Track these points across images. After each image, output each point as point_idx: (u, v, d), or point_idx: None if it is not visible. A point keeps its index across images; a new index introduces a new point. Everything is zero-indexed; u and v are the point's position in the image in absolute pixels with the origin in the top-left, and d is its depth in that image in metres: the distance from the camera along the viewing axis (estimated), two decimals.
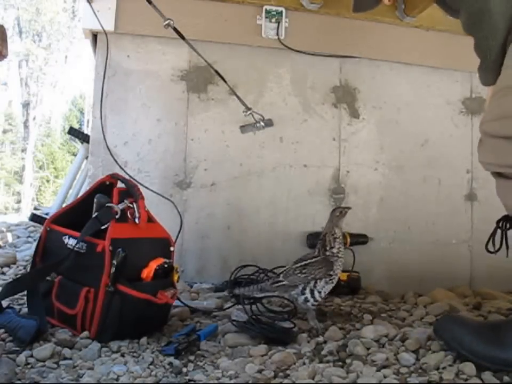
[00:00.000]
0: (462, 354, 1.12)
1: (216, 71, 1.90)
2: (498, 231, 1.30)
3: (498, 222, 1.29)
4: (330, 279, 1.42)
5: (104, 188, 1.44)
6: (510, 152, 1.09)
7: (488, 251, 1.30)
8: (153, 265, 1.30)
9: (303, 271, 1.42)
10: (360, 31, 2.18)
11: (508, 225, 1.27)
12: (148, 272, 1.30)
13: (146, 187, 1.80)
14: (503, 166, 1.12)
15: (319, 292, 1.41)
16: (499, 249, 1.30)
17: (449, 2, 1.33)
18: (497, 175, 1.16)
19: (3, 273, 1.97)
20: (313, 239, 2.08)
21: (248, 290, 1.47)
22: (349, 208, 1.55)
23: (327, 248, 1.45)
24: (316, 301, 1.41)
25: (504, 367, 1.06)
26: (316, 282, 1.40)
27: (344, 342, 1.29)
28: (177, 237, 1.80)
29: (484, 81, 1.28)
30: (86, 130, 3.32)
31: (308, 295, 1.40)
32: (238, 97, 1.92)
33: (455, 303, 1.73)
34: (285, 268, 1.48)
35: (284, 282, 1.43)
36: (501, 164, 1.12)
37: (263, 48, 2.13)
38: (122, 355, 1.16)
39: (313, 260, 1.44)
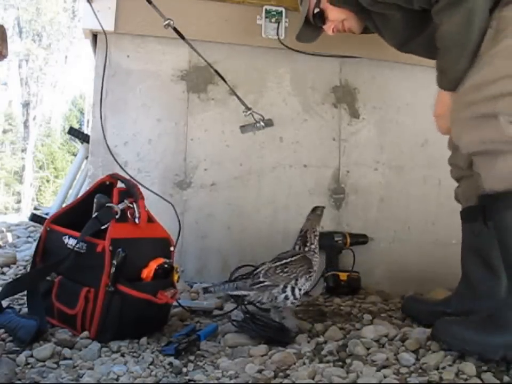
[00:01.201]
0: (467, 351, 1.12)
1: (216, 71, 1.90)
2: None
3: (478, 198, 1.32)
4: (310, 276, 1.44)
5: (104, 188, 1.44)
6: (490, 128, 1.14)
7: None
8: (153, 265, 1.30)
9: (285, 270, 1.42)
10: None
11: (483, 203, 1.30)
12: (147, 272, 1.30)
13: (146, 187, 1.79)
14: (486, 142, 1.16)
15: (299, 290, 1.41)
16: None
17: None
18: (478, 153, 1.20)
19: (3, 273, 1.96)
20: None
21: (223, 288, 1.47)
22: (323, 207, 1.61)
23: (307, 244, 1.48)
24: (295, 298, 1.41)
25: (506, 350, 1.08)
26: (297, 280, 1.41)
27: (344, 342, 1.29)
28: (177, 239, 1.80)
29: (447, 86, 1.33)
30: (86, 130, 3.32)
31: (289, 293, 1.40)
32: (238, 97, 1.92)
33: None
34: (263, 267, 1.45)
35: (266, 283, 1.40)
36: (484, 140, 1.16)
37: (263, 48, 2.12)
38: (122, 355, 1.16)
39: (294, 258, 1.45)
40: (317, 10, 1.63)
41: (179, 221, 1.86)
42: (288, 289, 1.40)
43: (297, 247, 1.50)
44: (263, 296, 1.40)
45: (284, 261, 1.44)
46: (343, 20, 1.61)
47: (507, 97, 1.13)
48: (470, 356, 1.11)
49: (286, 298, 1.40)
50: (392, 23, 1.50)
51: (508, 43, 1.16)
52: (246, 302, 1.49)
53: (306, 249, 1.47)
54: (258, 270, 1.45)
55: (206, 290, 1.43)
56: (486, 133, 1.15)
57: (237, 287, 1.43)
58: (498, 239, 1.19)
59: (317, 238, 1.50)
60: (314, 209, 1.57)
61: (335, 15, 1.61)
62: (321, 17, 1.64)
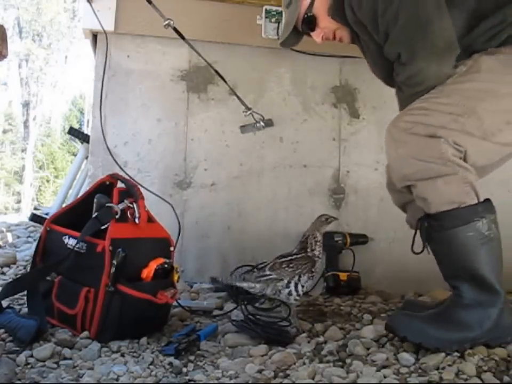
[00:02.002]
0: (426, 344, 1.17)
1: (216, 71, 1.90)
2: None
3: (418, 220, 1.33)
4: (312, 275, 1.47)
5: (104, 188, 1.44)
6: (430, 149, 1.21)
7: (414, 252, 1.33)
8: (153, 265, 1.30)
9: (290, 265, 1.46)
10: None
11: (426, 223, 1.30)
12: (147, 272, 1.30)
13: (145, 188, 1.79)
14: (426, 161, 1.21)
15: (302, 286, 1.44)
16: (423, 249, 1.33)
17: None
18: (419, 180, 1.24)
19: (3, 273, 1.97)
20: None
21: (230, 279, 1.54)
22: (335, 218, 1.61)
23: (308, 250, 1.49)
24: (298, 295, 1.44)
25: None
26: (300, 277, 1.44)
27: (344, 342, 1.29)
28: (177, 239, 1.80)
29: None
30: (86, 130, 3.32)
31: (292, 288, 1.43)
32: (238, 97, 1.92)
33: None
34: (268, 262, 1.50)
35: (271, 276, 1.43)
36: (423, 159, 1.21)
37: (263, 48, 2.12)
38: (122, 355, 1.16)
39: (299, 255, 1.48)
40: (307, 19, 1.51)
41: (179, 221, 1.86)
42: (292, 285, 1.42)
43: (295, 251, 1.51)
44: (267, 289, 1.42)
45: (289, 258, 1.48)
46: (336, 29, 1.51)
47: (450, 130, 1.20)
48: (427, 349, 1.17)
49: (290, 294, 1.43)
50: (371, 50, 1.45)
51: (471, 86, 1.24)
52: (246, 302, 1.49)
53: (309, 254, 1.49)
54: (264, 265, 1.49)
55: (213, 280, 1.47)
56: (426, 152, 1.20)
57: (244, 279, 1.48)
58: (447, 254, 1.26)
59: (319, 243, 1.51)
60: (319, 216, 1.58)
61: (327, 23, 1.51)
62: (311, 23, 1.53)
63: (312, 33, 1.55)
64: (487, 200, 1.25)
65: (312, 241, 1.51)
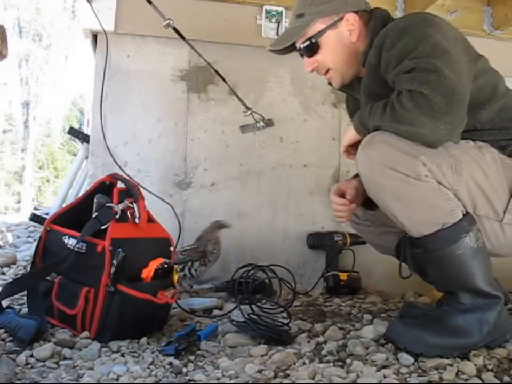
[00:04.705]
0: (428, 353, 1.15)
1: (216, 71, 1.90)
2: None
3: (397, 247, 1.32)
4: (205, 263, 1.84)
5: (104, 187, 1.44)
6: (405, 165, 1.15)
7: (402, 277, 1.32)
8: (153, 265, 1.30)
9: (183, 253, 1.83)
10: None
11: (407, 247, 1.30)
12: (147, 273, 1.30)
13: (145, 188, 1.80)
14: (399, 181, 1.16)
15: (195, 270, 1.82)
16: (411, 274, 1.33)
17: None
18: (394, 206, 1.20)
19: (3, 273, 1.97)
20: (313, 239, 2.08)
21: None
22: (227, 226, 1.91)
23: (201, 244, 1.86)
24: (192, 277, 1.84)
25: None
26: (192, 263, 1.82)
27: (344, 342, 1.29)
28: (177, 239, 1.81)
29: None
30: (86, 130, 3.32)
31: (187, 271, 1.82)
32: (238, 97, 1.92)
33: None
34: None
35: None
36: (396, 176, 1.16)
37: (263, 48, 2.12)
38: (122, 355, 1.16)
39: (191, 247, 1.86)
40: (310, 44, 1.36)
41: (179, 221, 1.86)
42: (186, 269, 1.82)
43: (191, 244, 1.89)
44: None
45: (184, 248, 1.86)
46: (331, 69, 1.40)
47: (431, 165, 1.14)
48: (428, 357, 1.15)
49: (185, 275, 1.83)
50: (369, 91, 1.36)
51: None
52: (249, 302, 1.50)
53: (200, 248, 1.85)
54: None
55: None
56: (400, 168, 1.15)
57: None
58: (436, 273, 1.25)
59: (212, 241, 1.86)
60: (215, 221, 1.92)
61: (326, 58, 1.37)
62: (311, 50, 1.38)
63: (304, 60, 1.42)
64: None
65: (205, 238, 1.86)
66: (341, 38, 1.35)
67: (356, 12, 1.35)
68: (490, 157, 1.21)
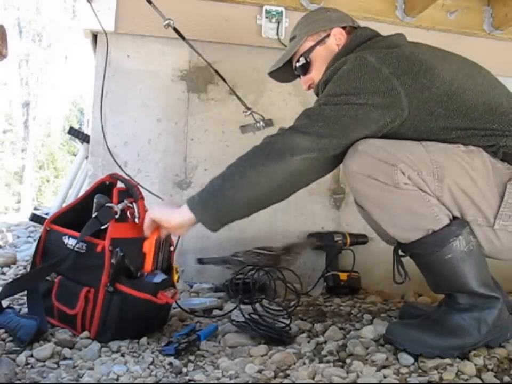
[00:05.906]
0: (428, 354, 1.15)
1: (216, 71, 1.90)
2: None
3: (394, 250, 1.33)
4: None
5: (104, 187, 1.44)
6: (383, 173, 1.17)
7: (396, 282, 1.32)
8: (153, 236, 1.31)
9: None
10: None
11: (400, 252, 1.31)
12: (149, 245, 1.30)
13: (145, 188, 1.79)
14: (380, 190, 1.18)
15: None
16: (405, 277, 1.33)
17: None
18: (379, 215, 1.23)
19: (3, 273, 1.97)
20: (313, 239, 2.08)
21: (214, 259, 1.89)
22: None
23: None
24: None
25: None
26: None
27: (344, 342, 1.29)
28: (177, 239, 1.80)
29: None
30: (86, 130, 3.31)
31: None
32: (238, 97, 1.92)
33: None
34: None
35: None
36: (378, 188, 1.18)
37: (263, 48, 2.12)
38: (122, 355, 1.16)
39: None
40: (302, 61, 1.47)
41: None
42: None
43: None
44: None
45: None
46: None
47: (411, 173, 1.15)
48: (428, 358, 1.15)
49: None
50: None
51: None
52: (256, 300, 1.51)
53: None
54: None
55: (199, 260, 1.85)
56: (379, 176, 1.16)
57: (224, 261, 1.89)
58: (428, 277, 1.27)
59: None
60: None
61: (318, 74, 1.43)
62: (303, 67, 1.48)
63: (302, 77, 1.52)
64: None
65: (293, 248, 1.86)
66: (330, 52, 1.42)
67: (343, 28, 1.44)
68: (480, 161, 1.19)
